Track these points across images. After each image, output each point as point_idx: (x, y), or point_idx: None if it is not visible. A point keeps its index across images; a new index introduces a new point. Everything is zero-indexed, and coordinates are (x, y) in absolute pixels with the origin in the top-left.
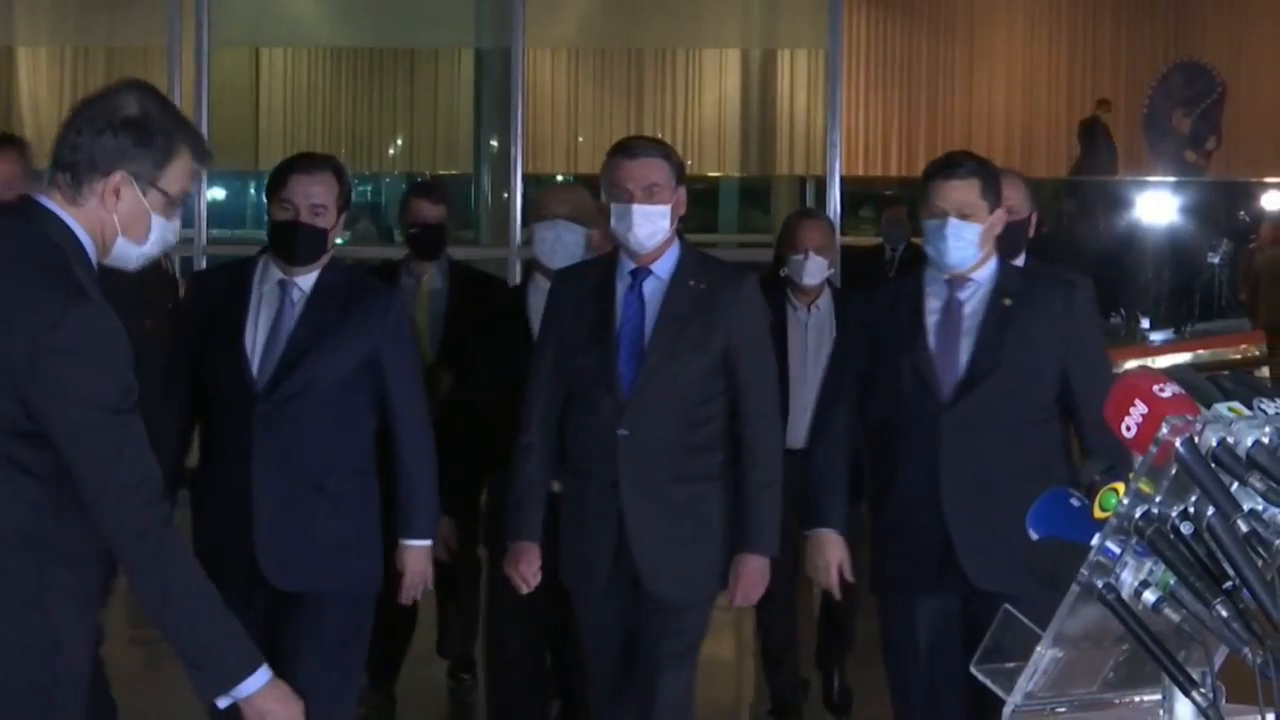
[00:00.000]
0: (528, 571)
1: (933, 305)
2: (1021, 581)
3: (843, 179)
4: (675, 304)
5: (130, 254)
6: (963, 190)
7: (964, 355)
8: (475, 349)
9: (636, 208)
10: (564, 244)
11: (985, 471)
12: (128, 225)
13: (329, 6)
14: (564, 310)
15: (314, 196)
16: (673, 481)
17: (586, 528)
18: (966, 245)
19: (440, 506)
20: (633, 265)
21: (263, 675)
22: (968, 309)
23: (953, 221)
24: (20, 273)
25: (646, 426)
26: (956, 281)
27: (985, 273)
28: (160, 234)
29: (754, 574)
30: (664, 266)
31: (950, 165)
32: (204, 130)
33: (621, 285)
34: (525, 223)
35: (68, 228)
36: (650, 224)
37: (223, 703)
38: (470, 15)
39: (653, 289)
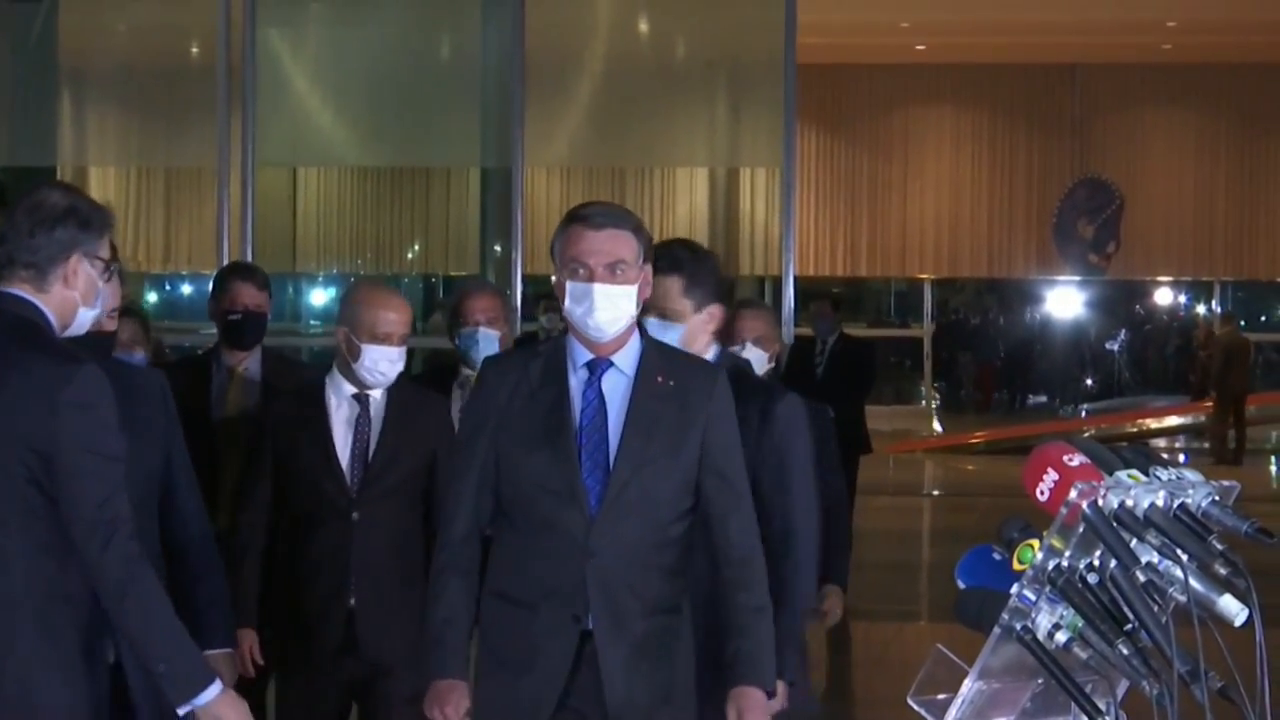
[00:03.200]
0: (455, 714)
1: None
2: None
3: (796, 278)
4: (644, 403)
5: (86, 319)
6: (663, 288)
7: None
8: None
9: (599, 287)
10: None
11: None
12: (85, 296)
13: (356, 131)
14: (498, 405)
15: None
16: (642, 614)
17: (529, 667)
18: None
19: None
20: (589, 355)
21: (217, 686)
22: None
23: (650, 321)
24: (26, 351)
25: (618, 549)
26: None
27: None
28: (102, 298)
29: (757, 710)
30: (627, 358)
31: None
32: (249, 238)
33: (576, 379)
34: (524, 317)
35: (40, 310)
36: (614, 307)
37: (182, 710)
38: (476, 139)
39: (615, 385)
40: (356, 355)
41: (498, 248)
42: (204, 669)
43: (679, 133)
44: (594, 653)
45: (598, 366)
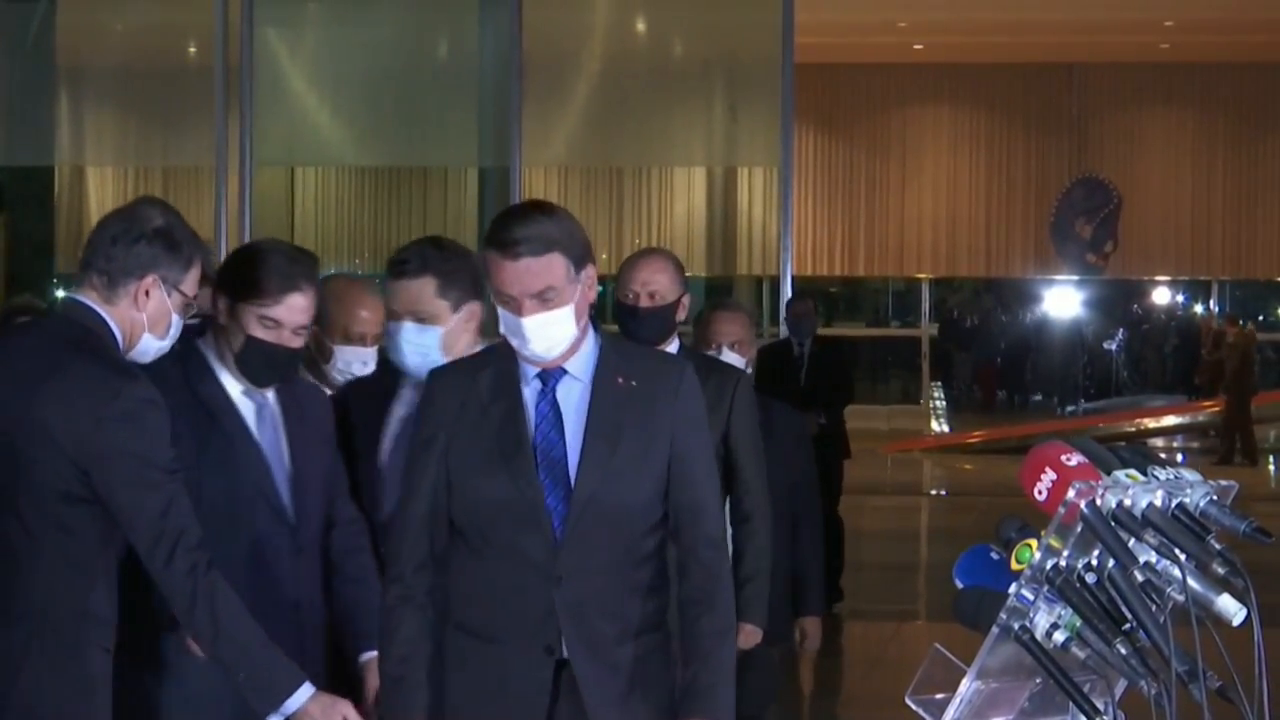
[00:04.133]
0: None
1: None
2: None
3: (793, 277)
4: (603, 411)
5: (151, 348)
6: (415, 290)
7: None
8: None
9: (528, 321)
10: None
11: None
12: (154, 322)
13: (354, 131)
14: (447, 421)
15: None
16: (619, 639)
17: (503, 705)
18: (428, 349)
19: None
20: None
21: (306, 690)
22: None
23: (406, 325)
24: (78, 359)
25: (588, 572)
26: None
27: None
28: (175, 331)
29: None
30: (581, 364)
31: (400, 262)
32: (246, 238)
33: (529, 390)
34: None
35: (105, 322)
36: (548, 336)
37: (273, 718)
38: (474, 138)
39: (570, 393)
40: (328, 356)
41: None
42: (290, 674)
43: (676, 132)
44: (572, 680)
45: (550, 377)
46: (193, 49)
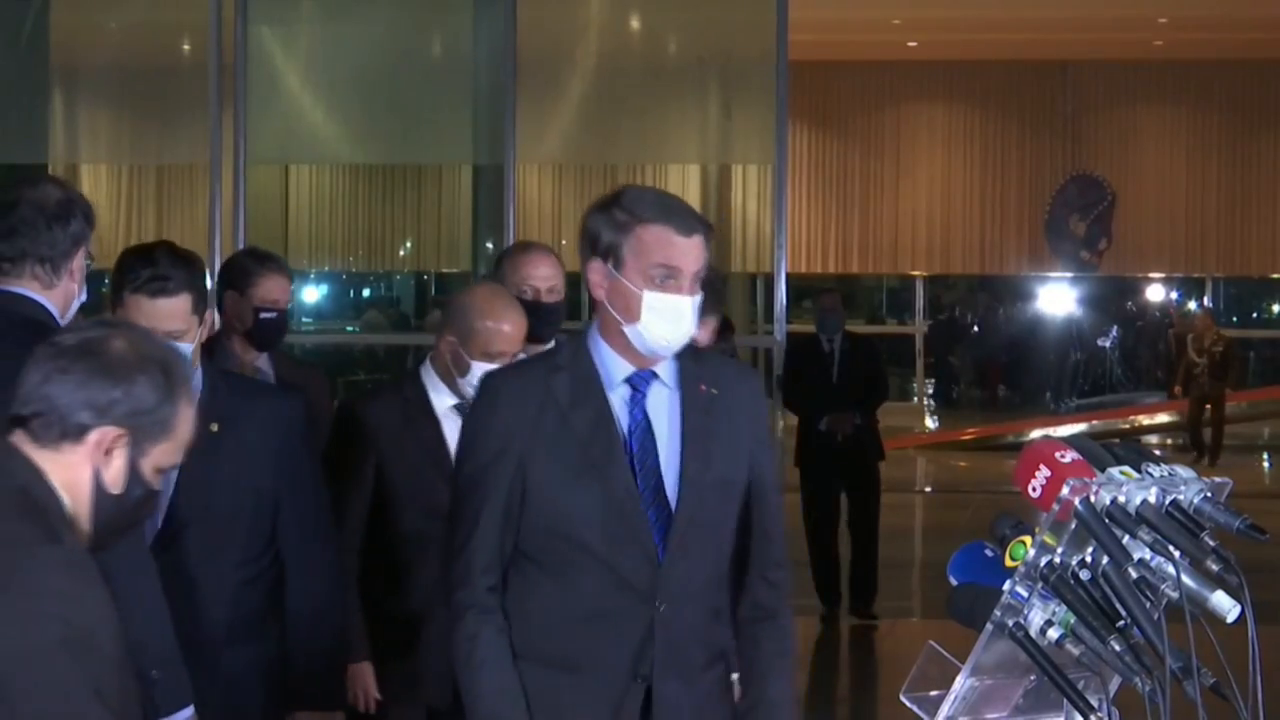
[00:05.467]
0: None
1: None
2: None
3: (787, 275)
4: (694, 420)
5: (74, 308)
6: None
7: None
8: None
9: (691, 301)
10: None
11: None
12: (80, 286)
13: (349, 129)
14: (521, 428)
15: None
16: (705, 666)
17: None
18: None
19: None
20: (627, 368)
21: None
22: None
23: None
24: (17, 343)
25: (685, 593)
26: None
27: None
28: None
29: None
30: (667, 368)
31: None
32: (240, 235)
33: (616, 396)
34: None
35: (48, 310)
36: (694, 322)
37: None
38: (469, 136)
39: (659, 400)
40: (465, 371)
41: (489, 244)
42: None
43: (671, 130)
44: (648, 708)
45: (641, 381)
46: (186, 46)
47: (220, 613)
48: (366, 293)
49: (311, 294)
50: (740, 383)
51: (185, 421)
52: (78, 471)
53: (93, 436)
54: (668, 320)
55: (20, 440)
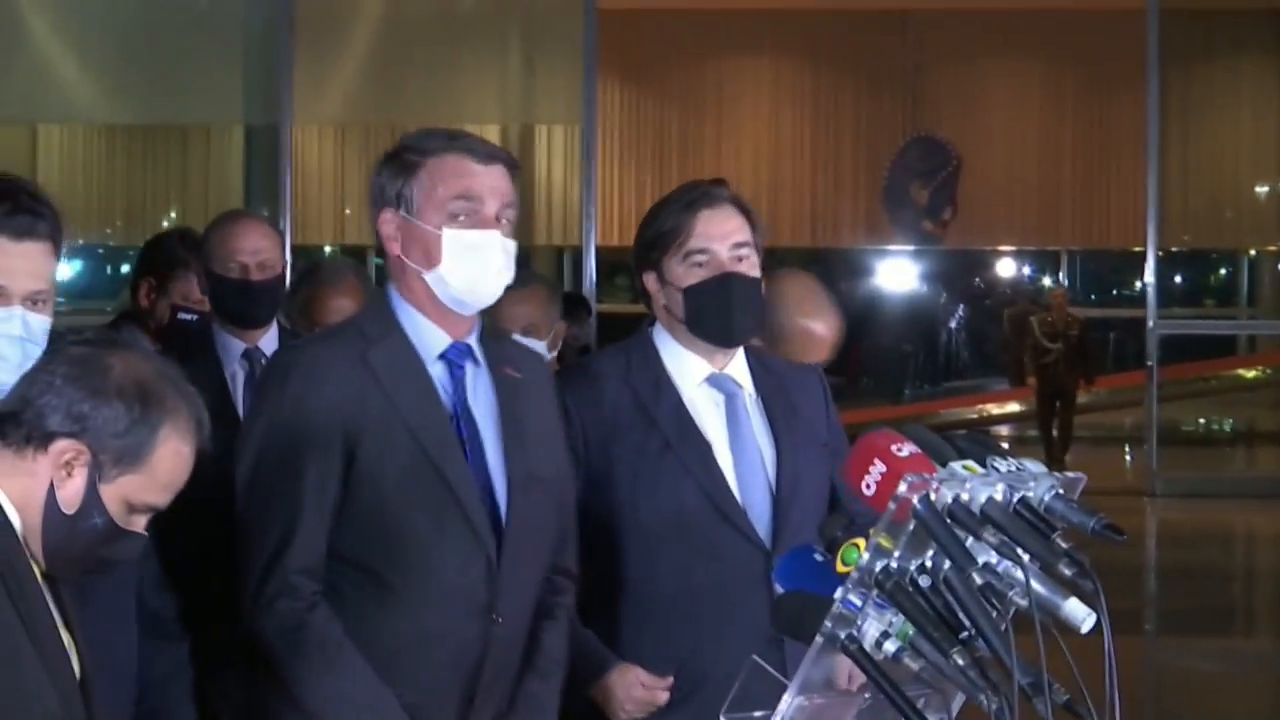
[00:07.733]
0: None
1: None
2: None
3: (598, 248)
4: (508, 408)
5: None
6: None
7: None
8: None
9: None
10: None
11: None
12: None
13: (103, 85)
14: (348, 408)
15: None
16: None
17: None
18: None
19: None
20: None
21: None
22: None
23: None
24: None
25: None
26: None
27: None
28: None
29: None
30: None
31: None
32: None
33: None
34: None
35: None
36: None
37: None
38: (239, 93)
39: (477, 383)
40: None
41: (264, 213)
42: None
43: (466, 86)
44: None
45: (457, 355)
46: None
47: None
48: (125, 268)
49: (64, 270)
50: (538, 368)
51: (167, 459)
52: (33, 482)
53: (56, 446)
54: (473, 261)
55: None
